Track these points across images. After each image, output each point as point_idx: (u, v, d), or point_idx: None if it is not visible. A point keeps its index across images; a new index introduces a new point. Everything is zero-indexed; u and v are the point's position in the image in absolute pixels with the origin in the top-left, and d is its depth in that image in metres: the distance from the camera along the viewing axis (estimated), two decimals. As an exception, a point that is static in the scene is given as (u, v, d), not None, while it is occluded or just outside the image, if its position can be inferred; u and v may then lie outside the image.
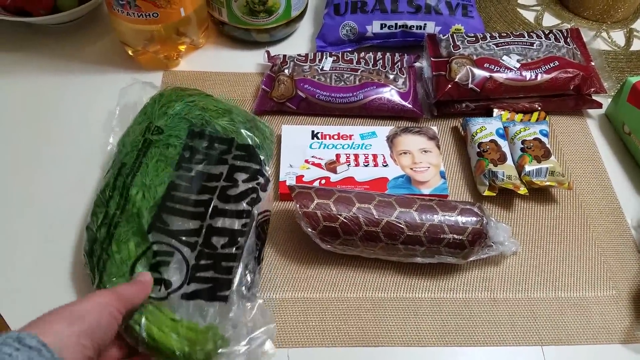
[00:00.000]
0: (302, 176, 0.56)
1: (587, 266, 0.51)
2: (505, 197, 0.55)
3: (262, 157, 0.52)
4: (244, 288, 0.44)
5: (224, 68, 0.68)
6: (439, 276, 0.49)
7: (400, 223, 0.46)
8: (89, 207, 0.53)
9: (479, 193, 0.55)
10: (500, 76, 0.60)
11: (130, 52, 0.67)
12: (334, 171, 0.56)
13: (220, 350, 0.40)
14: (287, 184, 0.55)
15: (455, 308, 0.48)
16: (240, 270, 0.44)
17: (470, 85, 0.60)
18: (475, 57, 0.61)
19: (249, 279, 0.44)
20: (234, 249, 0.45)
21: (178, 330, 0.40)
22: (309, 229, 0.47)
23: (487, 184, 0.54)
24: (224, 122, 0.54)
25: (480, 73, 0.60)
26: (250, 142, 0.53)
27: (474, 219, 0.46)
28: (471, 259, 0.47)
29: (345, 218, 0.46)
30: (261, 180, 0.50)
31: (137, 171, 0.50)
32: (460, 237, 0.46)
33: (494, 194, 0.53)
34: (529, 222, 0.54)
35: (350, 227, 0.46)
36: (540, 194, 0.56)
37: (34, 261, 0.49)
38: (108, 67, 0.67)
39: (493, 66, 0.61)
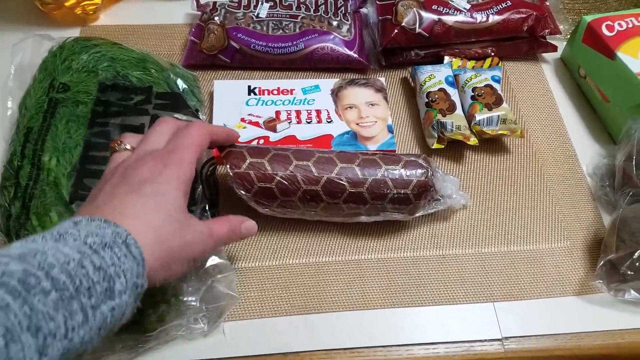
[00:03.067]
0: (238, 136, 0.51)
1: (540, 217, 0.48)
2: (455, 149, 0.52)
3: (191, 104, 0.48)
4: None
5: (148, 20, 0.61)
6: (385, 235, 0.46)
7: (341, 180, 0.42)
8: None
9: (428, 146, 0.51)
10: (449, 19, 0.56)
11: (40, 6, 0.59)
12: (274, 130, 0.51)
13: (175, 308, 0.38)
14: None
15: (402, 267, 0.45)
16: None
17: (418, 30, 0.55)
18: (423, -1, 0.57)
19: None
20: None
21: None
22: (243, 192, 0.42)
23: (436, 135, 0.50)
24: (137, 72, 0.49)
25: (428, 16, 0.56)
26: (172, 89, 0.48)
27: (419, 171, 0.43)
28: (418, 214, 0.44)
29: (281, 177, 0.42)
30: None
31: (46, 135, 0.44)
32: (405, 191, 0.42)
33: (443, 146, 0.50)
34: (480, 174, 0.51)
35: (287, 187, 0.42)
36: (492, 144, 0.53)
37: None
38: (17, 26, 0.59)
39: (442, 8, 0.56)
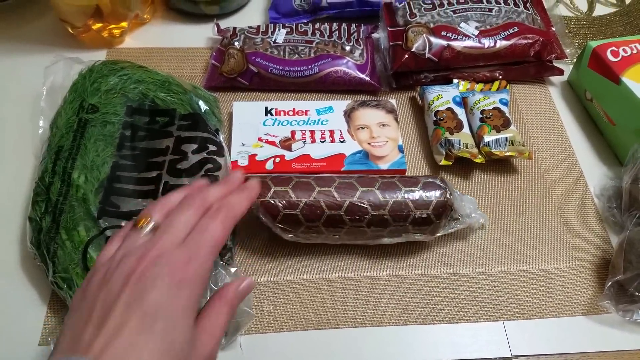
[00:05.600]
0: (255, 155, 0.53)
1: (549, 237, 0.49)
2: (464, 168, 0.54)
3: (212, 124, 0.50)
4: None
5: (172, 43, 0.64)
6: (397, 253, 0.47)
7: (363, 203, 0.44)
8: (27, 196, 0.49)
9: (436, 163, 0.53)
10: (458, 44, 0.58)
11: (70, 30, 0.63)
12: (289, 149, 0.53)
13: None
14: (239, 163, 0.52)
15: (414, 285, 0.46)
16: None
17: (427, 55, 0.58)
18: (432, 25, 0.59)
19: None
20: None
21: None
22: (269, 220, 0.44)
23: (444, 153, 0.52)
24: (162, 94, 0.52)
25: (437, 42, 0.58)
26: (194, 110, 0.51)
27: (438, 192, 0.44)
28: (439, 234, 0.45)
29: (305, 204, 0.44)
30: (212, 148, 0.48)
31: (76, 154, 0.47)
32: (426, 212, 0.44)
33: (450, 163, 0.51)
34: (489, 194, 0.52)
35: (312, 212, 0.44)
36: (501, 164, 0.54)
37: None
38: (47, 48, 0.62)
39: (451, 34, 0.58)
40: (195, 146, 0.48)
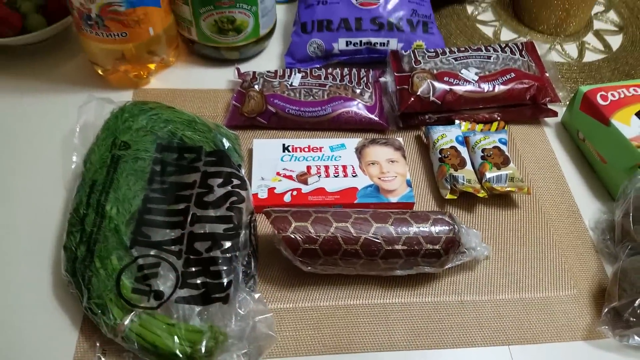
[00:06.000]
0: (274, 188, 0.57)
1: (548, 267, 0.53)
2: (467, 202, 0.58)
3: (234, 160, 0.54)
4: (241, 283, 0.45)
5: (194, 85, 0.69)
6: (409, 283, 0.51)
7: (377, 238, 0.47)
8: (59, 227, 0.53)
9: (442, 197, 0.57)
10: (459, 89, 0.63)
11: (100, 72, 0.68)
12: (305, 182, 0.57)
13: (221, 345, 0.42)
14: (259, 196, 0.56)
15: (424, 312, 0.49)
16: (232, 270, 0.45)
17: (431, 98, 0.63)
18: (435, 72, 0.64)
19: (241, 275, 0.45)
20: (219, 252, 0.46)
21: (177, 333, 0.41)
22: (289, 254, 0.48)
23: (449, 187, 0.56)
24: (189, 132, 0.56)
25: (440, 86, 0.63)
26: (218, 148, 0.55)
27: (447, 227, 0.48)
28: (447, 266, 0.49)
29: (324, 239, 0.47)
30: (236, 182, 0.51)
31: (109, 187, 0.50)
32: (435, 247, 0.47)
33: (455, 197, 0.55)
34: (491, 226, 0.56)
35: (329, 247, 0.47)
36: (502, 199, 0.59)
37: (13, 289, 0.48)
38: (78, 87, 0.67)
39: (452, 79, 0.64)
40: (220, 180, 0.52)
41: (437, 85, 0.63)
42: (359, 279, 0.51)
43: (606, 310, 0.47)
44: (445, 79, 0.63)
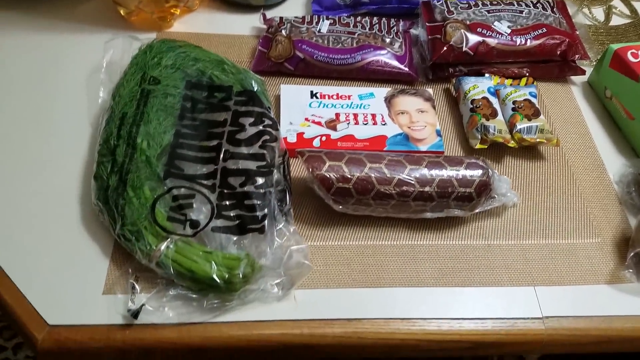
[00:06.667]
0: (303, 133, 0.57)
1: (573, 216, 0.54)
2: (496, 152, 0.58)
3: (265, 102, 0.54)
4: (276, 215, 0.46)
5: (218, 30, 0.68)
6: (437, 227, 0.52)
7: (411, 180, 0.48)
8: (86, 160, 0.53)
9: (471, 147, 0.57)
10: (492, 41, 0.63)
11: (122, 13, 0.67)
12: (334, 129, 0.57)
13: (257, 272, 0.43)
14: (289, 140, 0.56)
15: (452, 254, 0.50)
16: (267, 203, 0.46)
17: (464, 49, 0.62)
18: (468, 22, 0.64)
19: (276, 208, 0.46)
20: (253, 187, 0.46)
21: (214, 259, 0.42)
22: (323, 192, 0.48)
23: (479, 137, 0.56)
24: (217, 72, 0.56)
25: (473, 37, 0.63)
26: (249, 88, 0.55)
27: (480, 171, 0.49)
28: (477, 210, 0.49)
29: (358, 178, 0.48)
30: (268, 122, 0.51)
31: (140, 121, 0.50)
32: (468, 190, 0.48)
33: (485, 147, 0.56)
34: (519, 177, 0.57)
35: (363, 187, 0.48)
36: (530, 151, 0.59)
37: (42, 219, 0.49)
38: (99, 28, 0.66)
39: (485, 31, 0.63)
40: (252, 119, 0.52)
41: (470, 36, 0.62)
42: (387, 221, 0.51)
43: (631, 254, 0.48)
44: (479, 30, 0.63)
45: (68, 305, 0.43)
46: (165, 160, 0.49)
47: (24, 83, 0.59)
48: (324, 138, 0.57)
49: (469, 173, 0.49)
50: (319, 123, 0.58)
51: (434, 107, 0.60)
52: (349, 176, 0.48)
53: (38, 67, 0.61)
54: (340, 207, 0.49)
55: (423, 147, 0.56)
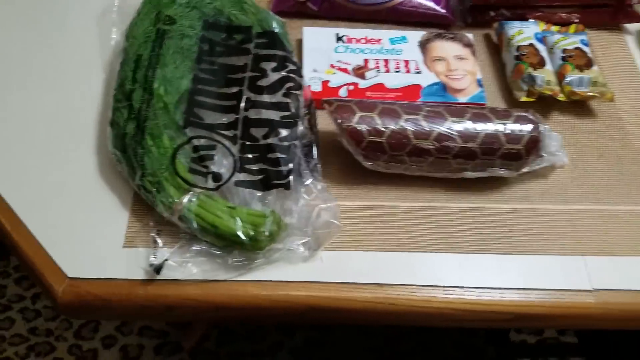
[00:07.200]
0: (328, 81, 0.51)
1: (627, 180, 0.48)
2: (542, 107, 0.52)
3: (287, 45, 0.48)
4: (303, 170, 0.42)
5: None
6: (476, 187, 0.47)
7: (452, 134, 0.43)
8: (100, 106, 0.49)
9: (515, 100, 0.52)
10: (541, -20, 0.56)
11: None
12: (362, 77, 0.52)
13: (283, 230, 0.40)
14: (312, 89, 0.50)
15: (493, 218, 0.45)
16: (292, 158, 0.42)
17: (509, -11, 0.55)
18: (515, -40, 0.56)
19: (303, 163, 0.42)
20: (277, 139, 0.42)
21: (238, 215, 0.39)
22: (352, 146, 0.43)
23: (525, 89, 0.51)
24: (236, 11, 0.50)
25: (520, -23, 0.55)
26: (270, 29, 0.49)
27: (530, 126, 0.43)
28: (523, 170, 0.44)
29: (392, 131, 0.42)
30: (291, 67, 0.46)
31: (156, 64, 0.46)
32: (517, 147, 0.43)
33: (533, 100, 0.50)
34: (567, 134, 0.51)
35: (398, 141, 0.43)
36: (579, 106, 0.53)
37: (58, 168, 0.46)
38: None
39: (533, -30, 0.56)
40: (274, 64, 0.47)
41: (516, -25, 0.55)
42: (420, 180, 0.47)
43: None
44: (525, -33, 0.56)
45: (87, 258, 0.41)
46: (184, 107, 0.44)
47: (29, 24, 0.55)
48: (351, 87, 0.51)
49: (517, 127, 0.43)
50: (345, 70, 0.52)
51: (474, 54, 0.54)
52: (382, 129, 0.43)
53: (45, 6, 0.57)
54: (371, 163, 0.44)
55: (462, 99, 0.51)
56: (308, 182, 0.42)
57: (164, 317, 0.39)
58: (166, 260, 0.39)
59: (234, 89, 0.46)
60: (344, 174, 0.47)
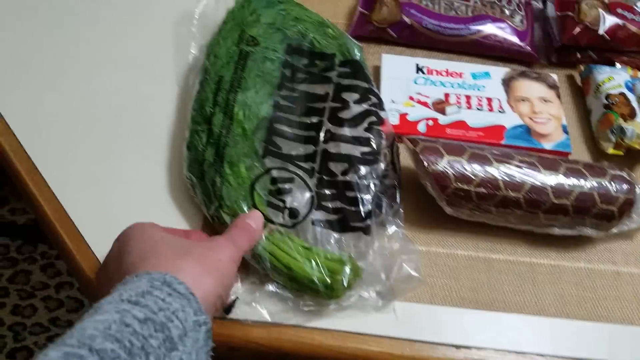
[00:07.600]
0: (406, 114, 0.49)
1: None
2: (630, 161, 0.49)
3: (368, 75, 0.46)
4: (385, 214, 0.40)
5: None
6: (559, 243, 0.44)
7: (546, 188, 0.40)
8: (175, 122, 0.48)
9: (600, 151, 0.49)
10: (634, 25, 0.53)
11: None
12: (443, 112, 0.50)
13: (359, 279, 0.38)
14: (390, 121, 0.48)
15: (575, 278, 0.43)
16: (373, 199, 0.40)
17: (600, 32, 0.52)
18: (607, 1, 0.53)
19: (384, 206, 0.40)
20: (356, 176, 0.40)
21: (315, 259, 0.37)
22: (436, 191, 0.41)
23: (614, 140, 0.48)
24: (319, 36, 0.48)
25: (612, 19, 0.53)
26: (352, 57, 0.47)
27: (626, 186, 0.41)
28: (612, 231, 0.42)
29: (482, 180, 0.40)
30: (374, 100, 0.44)
31: (238, 87, 0.44)
32: (611, 208, 0.40)
33: (621, 153, 0.48)
34: (655, 193, 0.48)
35: (487, 190, 0.40)
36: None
37: (127, 184, 0.44)
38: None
39: (627, 12, 0.53)
40: (357, 96, 0.45)
41: (608, 17, 0.53)
42: (502, 230, 0.44)
43: None
44: (619, 10, 0.53)
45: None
46: (263, 135, 0.42)
47: (104, 29, 0.54)
48: (430, 122, 0.49)
49: (613, 187, 0.41)
50: (424, 104, 0.50)
51: (558, 97, 0.51)
52: (471, 176, 0.41)
53: (121, 12, 0.55)
54: (453, 210, 0.42)
55: (547, 145, 0.48)
56: (390, 229, 0.40)
57: (224, 357, 0.37)
58: (237, 299, 0.37)
59: (314, 119, 0.44)
60: (421, 216, 0.45)
